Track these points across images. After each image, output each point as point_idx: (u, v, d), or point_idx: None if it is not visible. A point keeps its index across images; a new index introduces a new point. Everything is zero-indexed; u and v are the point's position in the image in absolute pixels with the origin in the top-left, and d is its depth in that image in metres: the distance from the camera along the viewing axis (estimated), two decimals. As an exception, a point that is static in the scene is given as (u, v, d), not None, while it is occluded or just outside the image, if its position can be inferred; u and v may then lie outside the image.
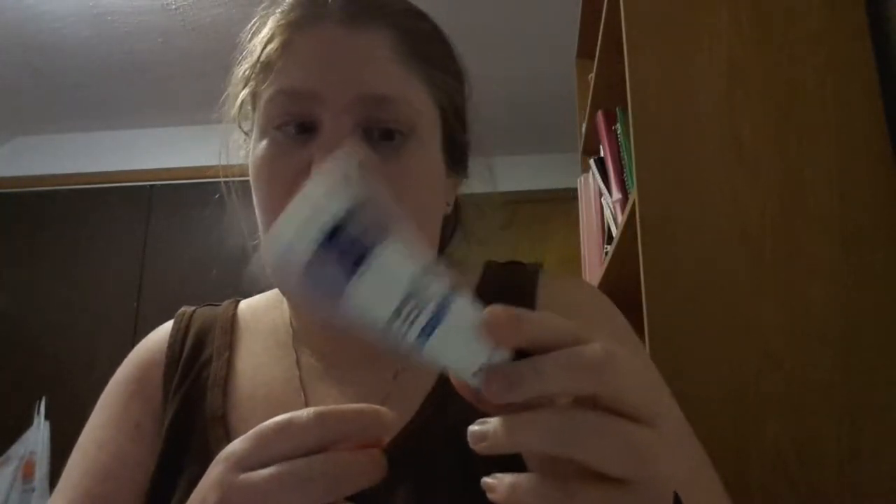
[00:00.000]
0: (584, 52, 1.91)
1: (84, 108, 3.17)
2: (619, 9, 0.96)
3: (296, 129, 0.50)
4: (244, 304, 0.64)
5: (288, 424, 0.31)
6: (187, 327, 0.61)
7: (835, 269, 0.80)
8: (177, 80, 2.91)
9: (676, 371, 0.79)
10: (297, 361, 0.56)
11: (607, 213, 1.43)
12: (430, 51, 0.54)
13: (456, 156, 0.58)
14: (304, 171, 0.48)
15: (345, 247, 0.28)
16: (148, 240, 3.20)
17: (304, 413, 0.31)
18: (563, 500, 0.27)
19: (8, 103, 3.09)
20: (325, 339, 0.56)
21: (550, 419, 0.27)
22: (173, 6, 2.44)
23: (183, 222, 3.18)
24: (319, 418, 0.31)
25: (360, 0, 0.52)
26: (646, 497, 0.28)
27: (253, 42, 0.55)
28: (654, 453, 0.28)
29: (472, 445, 0.29)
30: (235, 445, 0.32)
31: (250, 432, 0.32)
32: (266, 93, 0.51)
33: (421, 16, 0.57)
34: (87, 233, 3.23)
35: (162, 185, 3.27)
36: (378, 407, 0.32)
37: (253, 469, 0.31)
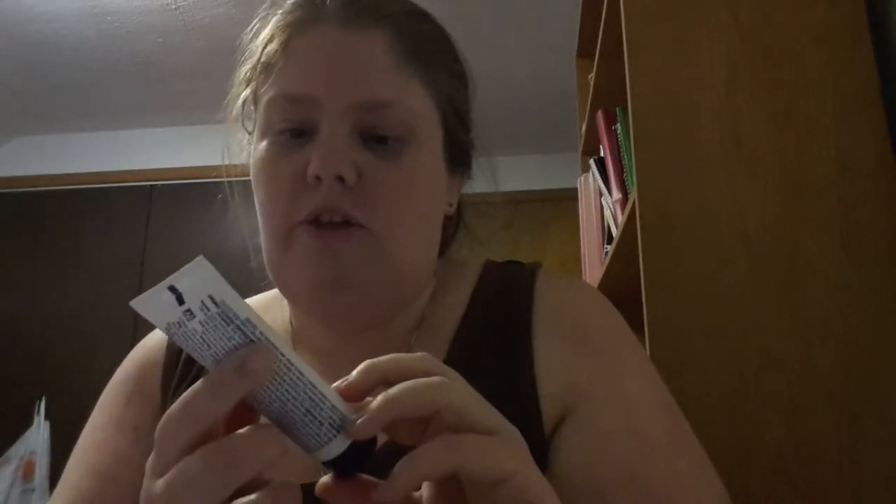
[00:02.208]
0: (584, 52, 1.91)
1: (84, 108, 3.17)
2: (619, 8, 0.96)
3: (294, 133, 0.50)
4: (244, 304, 0.64)
5: (168, 422, 0.31)
6: (187, 327, 0.61)
7: (835, 269, 0.80)
8: (177, 80, 2.91)
9: (676, 371, 0.79)
10: None
11: (607, 213, 1.43)
12: (430, 52, 0.54)
13: (458, 157, 0.58)
14: (301, 174, 0.48)
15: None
16: (148, 240, 3.20)
17: (174, 408, 0.31)
18: None
19: (8, 103, 3.09)
20: (324, 338, 0.56)
21: (431, 447, 0.31)
22: (173, 6, 2.44)
23: (183, 222, 3.18)
24: (183, 409, 0.30)
25: (359, 1, 0.52)
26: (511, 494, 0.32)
27: (254, 43, 0.55)
28: (504, 455, 0.32)
29: (385, 497, 0.31)
30: (153, 452, 0.32)
31: (155, 436, 0.31)
32: (266, 95, 0.51)
33: (422, 16, 0.56)
34: (87, 233, 3.23)
35: (162, 185, 3.27)
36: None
37: (163, 473, 0.30)
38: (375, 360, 0.34)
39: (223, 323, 0.29)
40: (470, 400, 0.33)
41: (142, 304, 0.29)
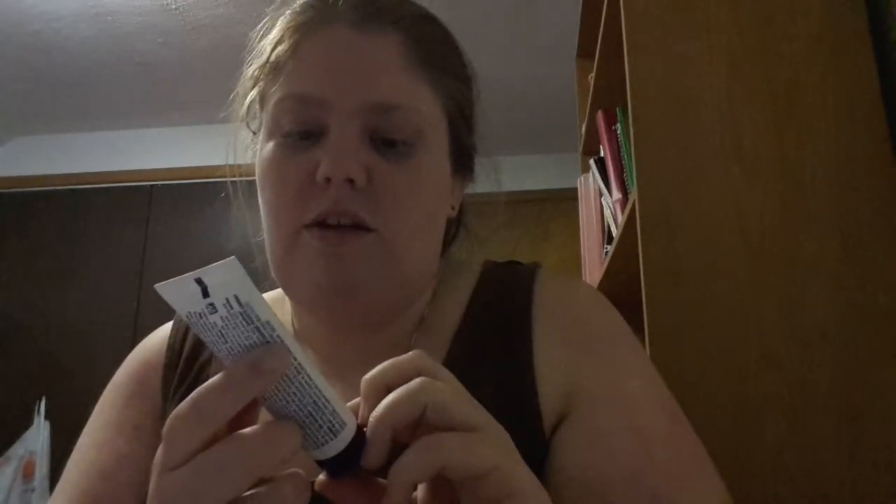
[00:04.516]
0: (584, 52, 1.91)
1: (84, 108, 3.17)
2: (619, 9, 0.96)
3: (302, 135, 0.50)
4: (244, 304, 0.64)
5: (178, 418, 0.30)
6: (186, 328, 0.61)
7: (835, 269, 0.80)
8: (177, 80, 2.91)
9: (676, 371, 0.79)
10: None
11: (607, 213, 1.43)
12: (439, 56, 0.54)
13: (462, 159, 0.58)
14: (309, 176, 0.48)
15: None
16: (148, 240, 3.20)
17: (185, 404, 0.31)
18: None
19: (8, 103, 3.10)
20: (326, 338, 0.56)
21: (413, 451, 0.32)
22: (173, 6, 2.44)
23: (183, 222, 3.18)
24: (195, 407, 0.30)
25: (370, 3, 0.52)
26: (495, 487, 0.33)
27: (263, 42, 0.55)
28: (485, 450, 0.33)
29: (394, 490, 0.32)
30: (160, 448, 0.32)
31: (163, 432, 0.31)
32: (275, 95, 0.51)
33: (431, 20, 0.57)
34: (87, 233, 3.23)
35: (162, 184, 3.27)
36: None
37: (175, 468, 0.30)
38: (373, 373, 0.35)
39: (244, 322, 0.30)
40: (450, 397, 0.34)
41: (167, 289, 0.30)
